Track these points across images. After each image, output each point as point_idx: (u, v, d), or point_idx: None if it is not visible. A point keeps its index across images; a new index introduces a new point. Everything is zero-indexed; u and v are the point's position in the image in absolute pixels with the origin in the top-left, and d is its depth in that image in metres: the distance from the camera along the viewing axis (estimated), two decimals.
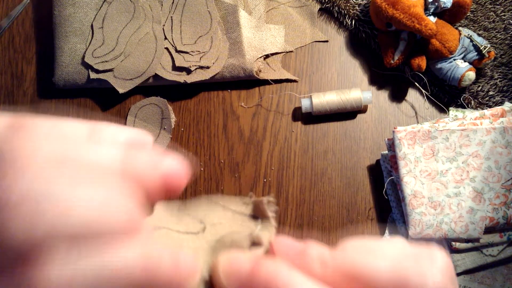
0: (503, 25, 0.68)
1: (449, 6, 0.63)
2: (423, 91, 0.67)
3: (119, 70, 0.68)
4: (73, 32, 0.69)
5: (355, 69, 0.71)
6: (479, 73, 0.67)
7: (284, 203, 0.68)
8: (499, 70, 0.67)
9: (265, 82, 0.71)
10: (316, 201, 0.68)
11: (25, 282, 0.16)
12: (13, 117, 0.18)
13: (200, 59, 0.68)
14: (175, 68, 0.68)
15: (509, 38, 0.67)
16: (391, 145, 0.63)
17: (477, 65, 0.64)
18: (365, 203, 0.67)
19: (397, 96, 0.70)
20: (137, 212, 0.18)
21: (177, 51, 0.68)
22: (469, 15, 0.68)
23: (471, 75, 0.63)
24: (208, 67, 0.68)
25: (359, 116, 0.70)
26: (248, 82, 0.71)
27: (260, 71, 0.70)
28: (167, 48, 0.69)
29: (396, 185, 0.63)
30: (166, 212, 0.22)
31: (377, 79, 0.70)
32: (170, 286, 0.18)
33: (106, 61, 0.68)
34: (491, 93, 0.66)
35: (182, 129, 0.71)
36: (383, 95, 0.70)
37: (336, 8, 0.71)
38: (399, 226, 0.64)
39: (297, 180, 0.69)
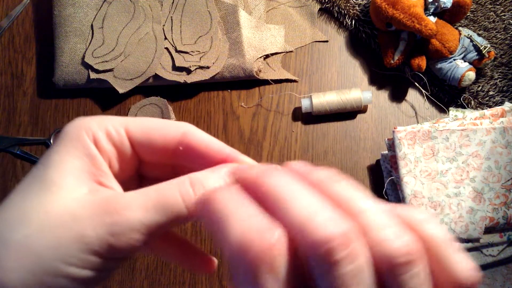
0: (503, 25, 0.68)
1: (449, 6, 0.63)
2: (423, 91, 0.67)
3: (119, 70, 0.68)
4: (73, 32, 0.69)
5: (355, 69, 0.71)
6: (479, 73, 0.67)
7: None
8: (499, 70, 0.67)
9: (265, 82, 0.71)
10: None
11: None
12: None
13: (200, 59, 0.68)
14: (175, 68, 0.68)
15: (509, 38, 0.67)
16: (391, 145, 0.63)
17: (477, 65, 0.64)
18: None
19: (397, 96, 0.70)
20: None
21: (177, 51, 0.68)
22: (469, 15, 0.68)
23: (471, 75, 0.63)
24: (208, 67, 0.68)
25: (359, 116, 0.70)
26: (248, 82, 0.71)
27: (260, 71, 0.70)
28: (167, 48, 0.69)
29: (396, 185, 0.63)
30: None
31: (377, 79, 0.70)
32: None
33: (106, 61, 0.68)
34: (491, 93, 0.66)
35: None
36: (383, 95, 0.70)
37: (336, 8, 0.71)
38: None
39: None
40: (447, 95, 0.68)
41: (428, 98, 0.68)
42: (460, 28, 0.66)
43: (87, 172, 0.22)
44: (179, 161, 0.24)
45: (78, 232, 0.20)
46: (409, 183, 0.60)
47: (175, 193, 0.21)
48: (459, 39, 0.64)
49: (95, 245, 0.20)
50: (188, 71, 0.68)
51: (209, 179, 0.21)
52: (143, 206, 0.20)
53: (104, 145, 0.23)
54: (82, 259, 0.20)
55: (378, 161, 0.68)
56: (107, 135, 0.23)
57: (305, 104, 0.67)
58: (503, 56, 0.67)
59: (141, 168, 0.26)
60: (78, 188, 0.21)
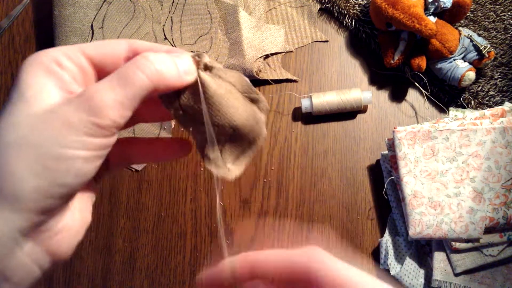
0: (503, 25, 0.68)
1: (449, 6, 0.63)
2: (423, 91, 0.67)
3: None
4: (73, 32, 0.69)
5: (355, 69, 0.71)
6: (479, 73, 0.67)
7: (284, 203, 0.68)
8: (499, 70, 0.67)
9: (265, 82, 0.71)
10: (316, 201, 0.68)
11: None
12: None
13: None
14: None
15: (509, 38, 0.67)
16: (391, 145, 0.63)
17: (477, 65, 0.64)
18: (365, 203, 0.67)
19: (397, 96, 0.70)
20: None
21: None
22: (469, 15, 0.68)
23: (471, 75, 0.63)
24: None
25: (359, 116, 0.70)
26: None
27: (260, 71, 0.70)
28: None
29: (396, 185, 0.63)
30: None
31: (377, 79, 0.70)
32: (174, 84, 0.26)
33: None
34: (491, 93, 0.66)
35: (182, 129, 0.71)
36: (383, 95, 0.70)
37: (336, 8, 0.71)
38: (399, 226, 0.64)
39: (297, 180, 0.69)
40: (447, 95, 0.68)
41: (428, 98, 0.68)
42: (460, 28, 0.66)
43: (56, 86, 0.24)
44: None
45: (65, 120, 0.23)
46: (409, 183, 0.60)
47: (133, 68, 0.24)
48: (459, 39, 0.64)
49: (83, 126, 0.23)
50: None
51: (159, 55, 0.25)
52: (110, 86, 0.24)
53: (65, 64, 0.25)
54: (77, 141, 0.23)
55: (378, 161, 0.68)
56: (67, 57, 0.25)
57: (305, 104, 0.67)
58: (503, 56, 0.67)
59: None
60: (52, 96, 0.24)
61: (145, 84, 0.24)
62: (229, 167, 0.29)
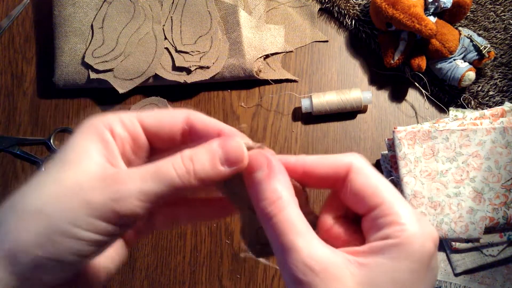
0: (503, 25, 0.68)
1: (449, 6, 0.63)
2: (423, 91, 0.67)
3: (119, 70, 0.68)
4: (73, 32, 0.69)
5: (355, 69, 0.71)
6: (479, 73, 0.67)
7: None
8: (499, 70, 0.67)
9: (265, 82, 0.71)
10: (316, 201, 0.68)
11: None
12: None
13: (200, 59, 0.68)
14: (175, 68, 0.68)
15: (509, 38, 0.67)
16: (391, 145, 0.63)
17: (477, 65, 0.64)
18: None
19: (397, 96, 0.70)
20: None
21: (177, 51, 0.68)
22: (469, 15, 0.68)
23: (471, 75, 0.63)
24: (208, 67, 0.68)
25: (359, 116, 0.70)
26: (248, 82, 0.71)
27: (260, 71, 0.70)
28: (167, 48, 0.69)
29: (396, 185, 0.63)
30: None
31: (377, 79, 0.70)
32: None
33: (106, 61, 0.68)
34: (491, 93, 0.66)
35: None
36: (383, 95, 0.70)
37: (336, 8, 0.71)
38: None
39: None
40: (447, 95, 0.68)
41: (428, 98, 0.68)
42: (460, 28, 0.66)
43: (100, 154, 0.25)
44: (185, 145, 0.27)
45: (85, 199, 0.23)
46: (409, 183, 0.60)
47: (169, 165, 0.24)
48: (459, 39, 0.64)
49: (100, 210, 0.23)
50: (188, 71, 0.68)
51: (197, 152, 0.25)
52: (141, 177, 0.23)
53: (118, 131, 0.26)
54: (88, 223, 0.23)
55: (378, 161, 0.68)
56: (122, 124, 0.26)
57: (305, 104, 0.67)
58: (503, 56, 0.67)
59: (152, 157, 0.29)
60: (90, 166, 0.24)
61: (175, 183, 0.24)
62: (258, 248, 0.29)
